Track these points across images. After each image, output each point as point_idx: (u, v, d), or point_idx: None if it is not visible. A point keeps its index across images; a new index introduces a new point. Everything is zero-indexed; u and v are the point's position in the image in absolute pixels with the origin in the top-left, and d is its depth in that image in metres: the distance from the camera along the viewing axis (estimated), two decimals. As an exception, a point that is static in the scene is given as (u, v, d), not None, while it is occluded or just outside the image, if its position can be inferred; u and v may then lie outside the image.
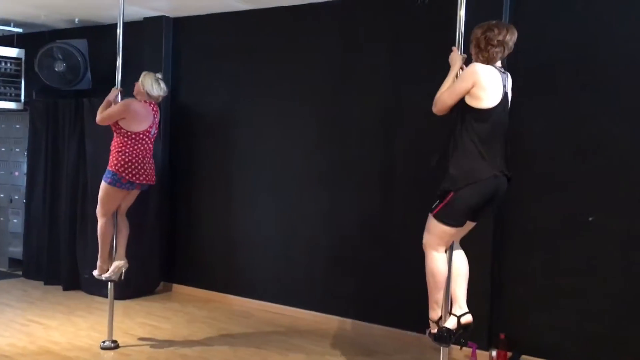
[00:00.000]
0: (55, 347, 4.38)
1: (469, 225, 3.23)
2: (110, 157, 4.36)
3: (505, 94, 3.07)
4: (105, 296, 5.58)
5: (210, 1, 5.49)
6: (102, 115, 4.39)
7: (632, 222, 4.02)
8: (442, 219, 3.05)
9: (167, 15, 5.98)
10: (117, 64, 4.46)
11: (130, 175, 4.29)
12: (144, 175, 4.37)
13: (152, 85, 4.43)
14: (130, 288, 5.58)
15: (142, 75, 4.46)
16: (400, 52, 4.92)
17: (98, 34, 6.36)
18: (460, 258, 3.26)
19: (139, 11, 5.77)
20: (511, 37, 3.07)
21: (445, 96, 3.06)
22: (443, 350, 3.29)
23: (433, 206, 3.11)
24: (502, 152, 3.08)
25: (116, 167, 4.29)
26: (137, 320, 5.08)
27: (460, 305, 3.23)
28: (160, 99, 4.52)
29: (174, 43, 6.09)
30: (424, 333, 4.14)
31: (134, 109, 4.35)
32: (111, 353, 4.34)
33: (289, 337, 4.80)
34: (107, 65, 6.14)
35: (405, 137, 4.90)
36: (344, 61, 5.20)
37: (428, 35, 4.74)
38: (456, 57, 3.18)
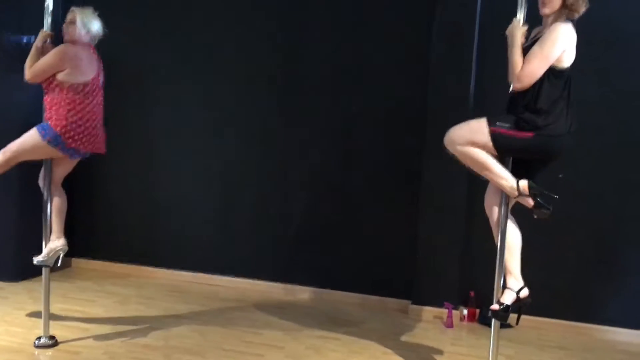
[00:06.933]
0: (-25, 354, 3.46)
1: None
2: (51, 110, 3.40)
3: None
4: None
5: None
6: (34, 70, 3.43)
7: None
8: (497, 139, 2.87)
9: None
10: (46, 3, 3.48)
11: (77, 142, 3.41)
12: (94, 143, 3.51)
13: (93, 21, 3.51)
14: (20, 267, 4.60)
15: (74, 12, 3.48)
16: None
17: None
18: (514, 227, 3.10)
19: None
20: None
21: (535, 67, 2.79)
22: (495, 328, 3.14)
23: (497, 123, 2.88)
24: (573, 110, 2.95)
25: (61, 129, 3.37)
26: (55, 307, 4.18)
27: (517, 278, 3.09)
28: (96, 40, 3.61)
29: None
30: (389, 296, 4.22)
31: (74, 55, 3.41)
32: (51, 352, 3.53)
33: (250, 313, 4.35)
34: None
35: (363, 91, 4.60)
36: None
37: None
38: (517, 27, 2.92)
